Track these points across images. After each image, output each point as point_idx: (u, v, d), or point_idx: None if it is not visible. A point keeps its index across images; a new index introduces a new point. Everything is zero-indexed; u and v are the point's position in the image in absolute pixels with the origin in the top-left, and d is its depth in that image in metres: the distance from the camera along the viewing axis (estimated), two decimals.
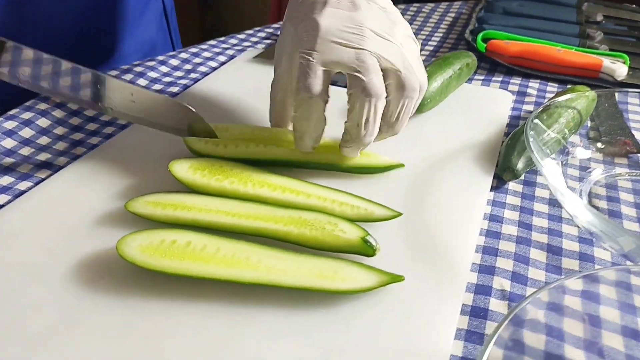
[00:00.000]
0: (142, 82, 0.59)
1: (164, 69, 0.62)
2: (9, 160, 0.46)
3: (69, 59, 0.43)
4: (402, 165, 0.45)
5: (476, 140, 0.50)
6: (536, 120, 0.44)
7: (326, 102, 0.39)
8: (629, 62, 0.62)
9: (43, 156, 0.47)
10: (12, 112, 0.51)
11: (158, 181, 0.43)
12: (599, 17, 0.78)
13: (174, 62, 0.64)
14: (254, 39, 0.72)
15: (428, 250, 0.38)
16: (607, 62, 0.61)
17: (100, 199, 0.41)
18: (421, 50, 0.71)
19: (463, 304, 0.35)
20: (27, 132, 0.50)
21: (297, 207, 0.38)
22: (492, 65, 0.66)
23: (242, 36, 0.72)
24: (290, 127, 0.45)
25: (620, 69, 0.61)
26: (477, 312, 0.34)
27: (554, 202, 0.44)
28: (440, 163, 0.47)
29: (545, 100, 0.58)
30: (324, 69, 0.38)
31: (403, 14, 0.75)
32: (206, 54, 0.66)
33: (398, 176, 0.45)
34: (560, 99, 0.47)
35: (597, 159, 0.48)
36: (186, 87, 0.59)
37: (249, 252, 0.34)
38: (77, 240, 0.37)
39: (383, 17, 0.40)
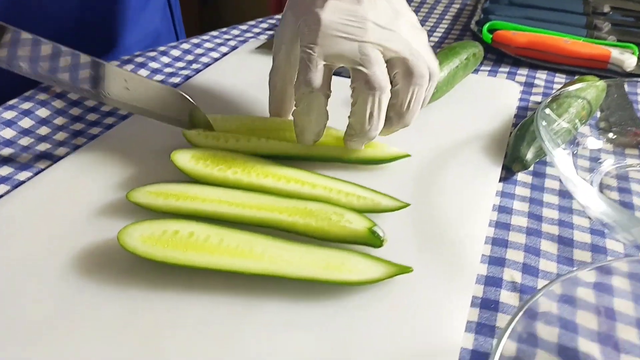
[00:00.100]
0: (143, 72, 0.58)
1: (165, 59, 0.61)
2: (8, 150, 0.45)
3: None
4: (408, 155, 0.44)
5: (484, 131, 0.49)
6: (547, 110, 0.43)
7: (328, 96, 0.39)
8: (637, 53, 0.61)
9: (43, 146, 0.46)
10: (11, 102, 0.51)
11: (159, 172, 0.42)
12: (606, 9, 0.76)
13: (176, 52, 0.63)
14: (256, 30, 0.71)
15: (436, 242, 0.37)
16: (615, 53, 0.60)
17: (100, 190, 0.40)
18: None
19: (473, 296, 0.34)
20: (26, 122, 0.49)
21: (302, 198, 0.37)
22: (498, 56, 0.65)
23: (244, 27, 0.71)
24: (291, 118, 0.44)
25: (629, 59, 0.60)
26: (488, 305, 0.33)
27: (564, 194, 0.43)
28: (447, 154, 0.46)
29: (553, 92, 0.57)
30: (325, 63, 0.37)
31: None
32: (208, 45, 0.65)
33: (405, 167, 0.44)
34: (570, 88, 0.46)
35: (608, 149, 0.47)
36: (188, 77, 0.58)
37: (253, 243, 0.33)
38: (77, 231, 0.37)
39: (387, 8, 0.40)
